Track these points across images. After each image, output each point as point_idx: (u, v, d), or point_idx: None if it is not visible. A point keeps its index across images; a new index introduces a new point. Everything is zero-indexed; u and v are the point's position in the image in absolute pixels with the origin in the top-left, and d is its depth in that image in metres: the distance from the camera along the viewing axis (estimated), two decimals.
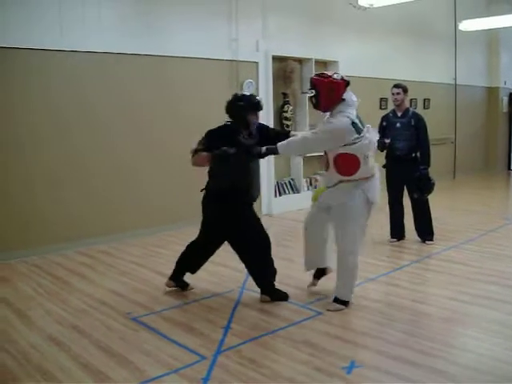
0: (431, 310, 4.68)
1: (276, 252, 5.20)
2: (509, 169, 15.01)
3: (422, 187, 6.50)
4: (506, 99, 14.97)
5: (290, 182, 9.66)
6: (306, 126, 9.61)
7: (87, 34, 6.86)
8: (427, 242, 6.91)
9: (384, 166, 6.97)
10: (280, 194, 9.46)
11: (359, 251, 4.72)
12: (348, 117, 4.40)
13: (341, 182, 4.62)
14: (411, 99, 11.65)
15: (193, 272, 5.33)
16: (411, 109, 7.03)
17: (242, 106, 4.84)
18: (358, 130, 4.42)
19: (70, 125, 6.89)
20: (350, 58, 10.20)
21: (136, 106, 7.47)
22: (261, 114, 9.22)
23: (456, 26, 12.20)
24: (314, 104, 4.69)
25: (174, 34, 7.77)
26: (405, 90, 6.82)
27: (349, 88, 4.58)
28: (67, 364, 3.77)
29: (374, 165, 4.69)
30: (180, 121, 7.91)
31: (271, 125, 8.95)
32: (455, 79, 13.19)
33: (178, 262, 5.28)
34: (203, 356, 3.85)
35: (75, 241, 6.95)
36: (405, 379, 3.49)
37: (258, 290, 5.08)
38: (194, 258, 5.26)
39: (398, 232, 7.10)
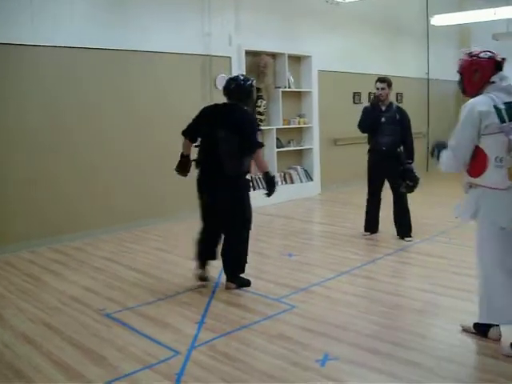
0: (404, 302, 4.72)
1: (250, 246, 5.22)
2: None
3: (409, 182, 6.42)
4: None
5: None
6: (280, 120, 9.63)
7: (58, 29, 6.79)
8: (406, 238, 6.80)
9: (368, 161, 6.96)
10: (254, 189, 9.42)
11: (495, 280, 3.71)
12: (489, 97, 3.57)
13: (470, 186, 3.73)
14: None
15: (213, 258, 5.29)
16: (394, 103, 6.91)
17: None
18: (501, 118, 3.51)
19: (43, 122, 6.83)
20: (324, 53, 10.26)
21: (108, 101, 7.41)
22: None
23: (428, 21, 12.30)
24: (461, 90, 3.87)
25: (145, 28, 7.71)
26: (389, 85, 6.69)
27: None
28: (39, 361, 3.73)
29: None
30: (152, 115, 7.87)
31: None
32: (427, 73, 13.29)
33: (197, 255, 5.27)
34: (177, 351, 3.84)
35: (48, 237, 6.87)
36: (379, 371, 3.51)
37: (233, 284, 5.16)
38: (209, 245, 5.26)
39: (372, 226, 7.08)
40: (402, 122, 6.69)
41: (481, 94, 3.64)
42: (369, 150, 6.96)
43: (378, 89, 6.73)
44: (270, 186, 5.05)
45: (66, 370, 3.61)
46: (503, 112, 3.52)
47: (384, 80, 6.69)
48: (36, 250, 6.66)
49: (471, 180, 3.69)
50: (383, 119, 6.69)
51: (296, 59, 10.16)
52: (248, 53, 9.14)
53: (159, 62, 7.91)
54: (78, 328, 4.31)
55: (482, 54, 3.69)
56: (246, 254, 5.22)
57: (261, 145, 5.02)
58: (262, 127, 9.39)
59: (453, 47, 14.42)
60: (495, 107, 3.51)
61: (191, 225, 7.86)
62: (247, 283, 5.21)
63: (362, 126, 6.88)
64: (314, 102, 10.25)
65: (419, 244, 6.60)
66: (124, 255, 6.44)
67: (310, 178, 10.43)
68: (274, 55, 9.62)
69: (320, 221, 8.82)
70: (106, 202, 7.45)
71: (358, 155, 11.05)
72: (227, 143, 4.85)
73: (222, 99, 5.09)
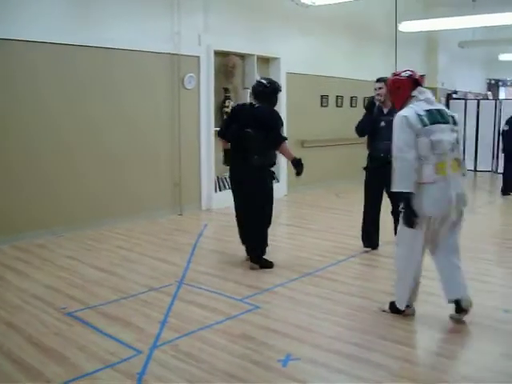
0: (367, 304, 4.76)
1: (215, 247, 5.24)
2: None
3: None
4: (443, 100, 15.34)
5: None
6: None
7: (21, 23, 6.67)
8: (366, 248, 6.60)
9: (365, 169, 6.53)
10: (220, 189, 9.45)
11: (406, 261, 4.42)
12: (411, 107, 4.19)
13: None
14: (352, 97, 11.83)
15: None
16: None
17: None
18: (423, 123, 4.11)
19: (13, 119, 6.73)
20: (292, 55, 10.31)
21: (74, 98, 7.32)
22: (202, 108, 9.24)
23: (396, 27, 12.43)
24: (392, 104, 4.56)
25: (113, 26, 7.62)
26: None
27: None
28: None
29: (448, 172, 4.14)
30: (119, 114, 7.81)
31: (212, 120, 8.96)
32: None
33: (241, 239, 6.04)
34: (139, 350, 3.82)
35: (10, 235, 6.76)
36: (340, 372, 3.55)
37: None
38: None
39: (372, 239, 6.59)
40: None
41: (405, 106, 4.26)
42: (368, 156, 6.51)
43: (375, 89, 6.41)
44: (298, 166, 5.72)
45: (26, 368, 3.57)
46: (424, 118, 4.13)
47: (381, 79, 6.36)
48: None
49: None
50: (383, 123, 6.18)
51: (265, 61, 10.18)
52: (217, 53, 9.12)
53: (127, 60, 7.85)
54: (39, 327, 4.26)
55: (402, 74, 4.35)
56: (264, 237, 5.82)
57: (284, 139, 5.78)
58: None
59: (421, 53, 14.63)
60: (417, 114, 4.13)
61: (155, 223, 7.87)
62: (270, 265, 5.80)
63: (358, 129, 6.51)
64: (282, 104, 10.25)
65: (383, 246, 6.63)
66: (87, 254, 6.38)
67: (276, 179, 10.42)
68: (242, 56, 9.64)
69: (286, 222, 8.85)
70: (69, 199, 7.35)
71: (326, 157, 11.24)
72: (254, 139, 5.56)
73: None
